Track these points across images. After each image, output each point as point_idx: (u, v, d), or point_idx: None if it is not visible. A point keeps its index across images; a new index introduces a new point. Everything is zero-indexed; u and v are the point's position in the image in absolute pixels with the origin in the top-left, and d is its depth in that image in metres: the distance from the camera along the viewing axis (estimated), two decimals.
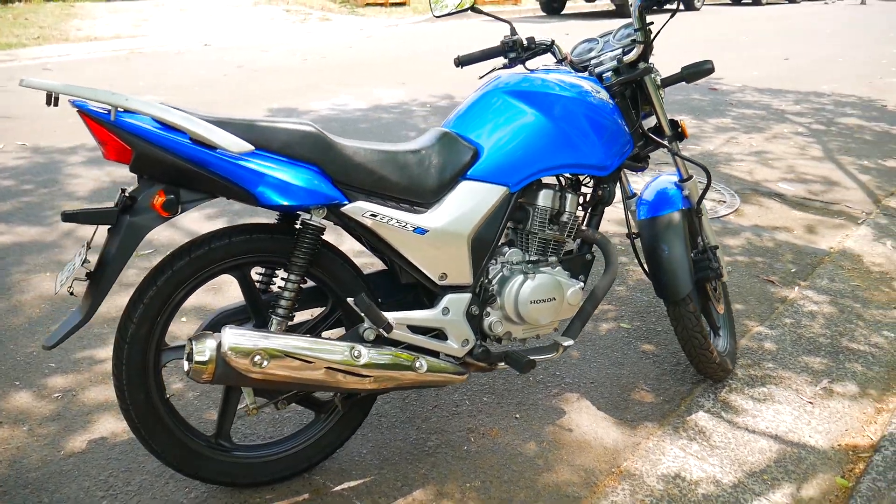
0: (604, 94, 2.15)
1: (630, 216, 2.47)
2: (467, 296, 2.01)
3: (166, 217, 1.68)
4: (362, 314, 1.86)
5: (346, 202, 1.80)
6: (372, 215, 1.84)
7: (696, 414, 2.39)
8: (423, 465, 2.12)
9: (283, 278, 1.86)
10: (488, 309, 2.08)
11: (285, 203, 1.72)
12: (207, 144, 1.65)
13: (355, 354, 1.81)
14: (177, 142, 1.63)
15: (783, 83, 8.24)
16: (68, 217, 1.65)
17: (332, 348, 1.80)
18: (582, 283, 2.20)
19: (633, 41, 2.21)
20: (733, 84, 8.17)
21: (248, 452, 1.99)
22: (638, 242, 2.44)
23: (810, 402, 2.48)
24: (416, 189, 1.91)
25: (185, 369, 1.72)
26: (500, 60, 2.36)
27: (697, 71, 2.28)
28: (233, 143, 1.65)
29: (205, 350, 1.69)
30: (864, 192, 4.60)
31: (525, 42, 2.32)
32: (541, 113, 2.04)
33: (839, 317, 3.03)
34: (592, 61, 2.30)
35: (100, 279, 1.67)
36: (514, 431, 2.29)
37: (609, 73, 2.24)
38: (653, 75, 2.24)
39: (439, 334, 2.01)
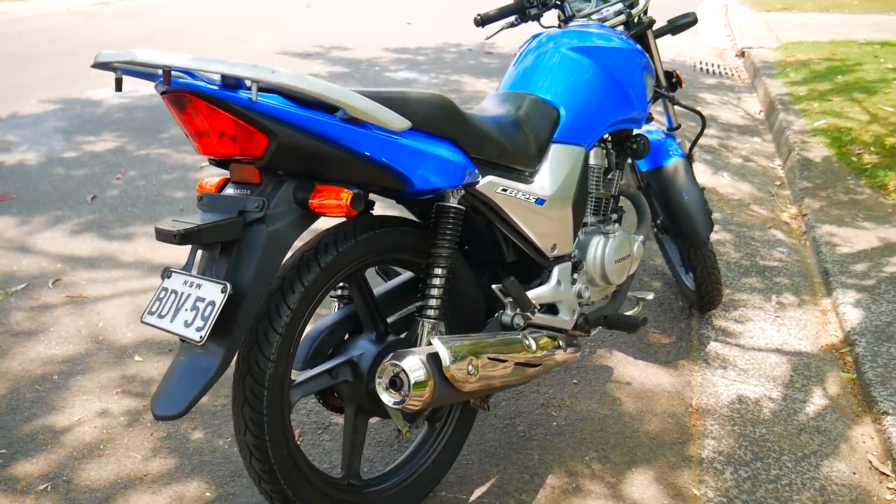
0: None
1: (630, 170, 2.54)
2: (569, 264, 1.94)
3: (341, 216, 1.38)
4: (511, 299, 1.71)
5: (479, 179, 1.63)
6: (503, 190, 1.69)
7: (710, 345, 2.57)
8: (533, 452, 2.02)
9: (422, 276, 1.63)
10: (574, 275, 2.02)
11: (440, 186, 1.51)
12: (359, 123, 1.38)
13: (528, 345, 1.66)
14: (327, 123, 1.35)
15: None
16: (185, 237, 1.27)
17: (511, 342, 1.62)
18: (642, 237, 2.23)
19: None
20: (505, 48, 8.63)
21: (380, 485, 1.72)
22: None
23: (777, 316, 2.80)
24: (525, 157, 1.79)
25: (394, 401, 1.43)
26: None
27: (683, 23, 2.40)
28: (395, 119, 1.41)
29: (419, 368, 1.42)
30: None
31: None
32: (604, 68, 2.01)
33: (739, 241, 3.44)
34: (594, 16, 2.31)
35: (236, 311, 1.32)
36: (584, 396, 2.27)
37: (620, 27, 2.27)
38: (653, 27, 2.33)
39: (552, 310, 1.91)
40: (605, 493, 1.86)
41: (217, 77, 1.28)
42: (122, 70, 1.26)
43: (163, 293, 1.38)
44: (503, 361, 1.57)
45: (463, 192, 1.61)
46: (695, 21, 2.42)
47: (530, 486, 1.88)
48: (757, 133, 5.29)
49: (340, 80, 6.36)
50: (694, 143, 2.53)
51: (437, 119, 1.54)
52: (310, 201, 1.36)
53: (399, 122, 1.42)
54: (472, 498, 1.84)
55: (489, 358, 1.54)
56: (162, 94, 1.32)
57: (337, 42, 8.33)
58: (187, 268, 1.40)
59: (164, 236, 1.31)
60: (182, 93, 1.26)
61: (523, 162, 1.78)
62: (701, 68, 7.32)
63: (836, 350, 2.61)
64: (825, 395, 2.33)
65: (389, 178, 1.46)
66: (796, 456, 2.04)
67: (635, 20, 2.28)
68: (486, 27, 2.33)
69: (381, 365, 1.46)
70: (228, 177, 1.50)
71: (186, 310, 1.31)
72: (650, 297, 2.21)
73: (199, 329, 1.27)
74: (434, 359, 1.45)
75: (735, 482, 1.92)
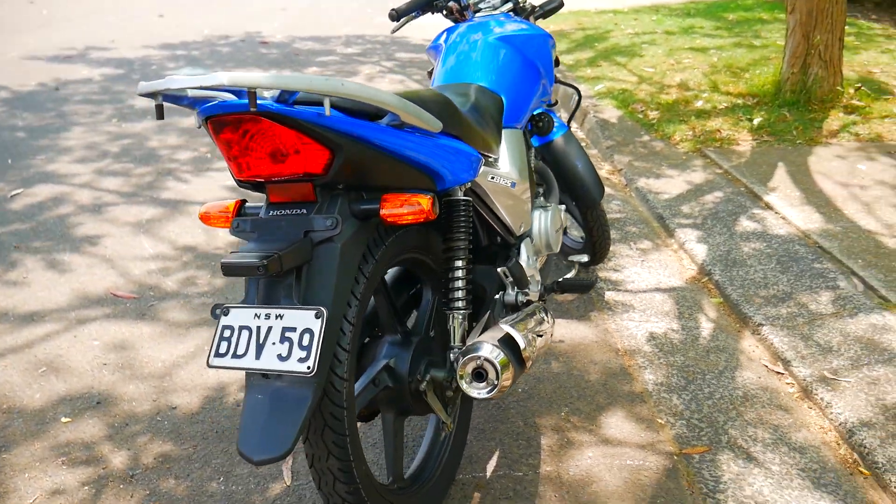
0: None
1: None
2: (528, 239, 2.11)
3: (418, 222, 1.41)
4: (513, 279, 1.83)
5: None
6: (492, 178, 1.81)
7: (606, 294, 2.89)
8: (517, 419, 2.17)
9: (444, 270, 1.69)
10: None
11: (467, 180, 1.61)
12: (403, 127, 1.43)
13: (546, 318, 1.79)
14: (383, 130, 1.39)
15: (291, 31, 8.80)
16: (269, 266, 1.25)
17: (539, 319, 1.74)
18: (563, 206, 2.45)
19: None
20: (277, 37, 8.40)
21: (420, 482, 1.78)
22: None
23: (643, 260, 3.21)
24: (493, 144, 1.92)
25: (486, 391, 1.48)
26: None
27: (552, 8, 2.63)
28: (433, 121, 1.48)
29: (500, 355, 1.48)
30: None
31: None
32: (526, 54, 2.18)
33: None
34: (482, 5, 2.46)
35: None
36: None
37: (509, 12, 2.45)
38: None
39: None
40: (594, 440, 2.08)
41: (267, 93, 1.26)
42: (164, 97, 1.20)
43: (228, 332, 1.31)
44: (541, 336, 1.70)
45: (469, 184, 1.70)
46: (562, 5, 2.67)
47: (529, 450, 2.04)
48: None
49: (123, 81, 5.85)
50: (572, 116, 2.80)
51: (451, 118, 1.62)
52: (381, 212, 1.37)
53: (436, 123, 1.48)
54: (489, 474, 1.96)
55: (536, 335, 1.66)
56: (207, 118, 1.26)
57: (90, 41, 7.60)
58: (246, 300, 1.35)
59: (241, 270, 1.25)
60: (242, 114, 1.22)
61: (493, 149, 1.91)
62: None
63: (698, 281, 3.07)
64: (709, 319, 2.75)
65: (425, 179, 1.52)
66: (714, 374, 2.41)
67: (521, 5, 2.48)
68: (400, 20, 2.40)
69: (462, 362, 1.51)
70: (240, 200, 1.47)
71: (274, 343, 1.27)
72: (585, 259, 2.45)
73: (302, 360, 1.25)
74: (507, 343, 1.53)
75: (684, 405, 2.24)
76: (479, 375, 1.50)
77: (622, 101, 5.10)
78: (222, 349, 1.30)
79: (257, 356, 1.27)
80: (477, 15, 2.41)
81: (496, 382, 1.49)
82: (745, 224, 3.35)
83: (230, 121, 1.24)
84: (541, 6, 2.63)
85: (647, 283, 3.00)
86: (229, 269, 1.26)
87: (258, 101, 1.20)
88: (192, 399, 2.27)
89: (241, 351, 1.28)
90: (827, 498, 1.88)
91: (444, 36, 2.31)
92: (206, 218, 1.49)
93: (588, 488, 1.90)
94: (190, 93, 1.27)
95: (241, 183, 1.39)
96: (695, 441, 2.09)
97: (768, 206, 3.53)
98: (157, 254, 3.24)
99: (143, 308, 2.80)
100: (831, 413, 2.20)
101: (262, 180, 1.36)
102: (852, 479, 1.96)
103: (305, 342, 1.25)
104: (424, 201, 1.39)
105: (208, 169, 4.26)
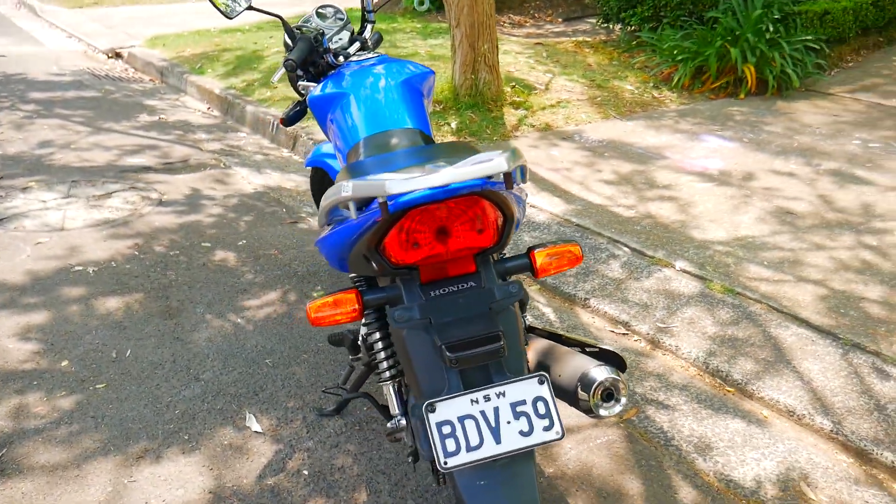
0: None
1: None
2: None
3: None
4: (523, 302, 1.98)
5: None
6: None
7: None
8: None
9: None
10: None
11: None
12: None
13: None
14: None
15: None
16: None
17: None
18: None
19: (367, 21, 2.57)
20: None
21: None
22: None
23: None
24: None
25: (619, 408, 1.58)
26: None
27: (377, 40, 2.74)
28: None
29: (612, 370, 1.58)
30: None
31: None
32: (425, 94, 2.31)
33: None
34: (332, 44, 2.51)
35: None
36: None
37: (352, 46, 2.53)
38: None
39: None
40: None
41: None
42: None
43: (447, 428, 1.28)
44: None
45: None
46: (381, 39, 2.79)
47: None
48: (233, 129, 5.65)
49: None
50: None
51: None
52: (538, 268, 1.44)
53: None
54: None
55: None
56: (412, 206, 1.24)
57: None
58: (452, 390, 1.32)
59: (482, 357, 1.26)
60: (466, 196, 1.23)
61: None
62: (105, 75, 7.07)
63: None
64: (544, 304, 3.17)
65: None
66: None
67: (365, 41, 2.55)
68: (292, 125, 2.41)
69: (594, 387, 1.61)
70: (355, 289, 1.43)
71: (509, 422, 1.28)
72: None
73: (548, 428, 1.29)
74: (603, 358, 1.67)
75: None
76: (609, 396, 1.63)
77: None
78: (451, 447, 1.26)
79: (497, 441, 1.26)
80: (351, 60, 2.41)
81: (625, 397, 1.62)
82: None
83: (435, 206, 1.22)
84: (370, 39, 2.72)
85: None
86: (466, 359, 1.24)
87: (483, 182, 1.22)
88: None
89: (475, 442, 1.26)
90: (727, 417, 2.43)
91: (330, 85, 2.28)
92: (321, 320, 1.38)
93: (589, 473, 2.16)
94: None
95: (394, 268, 1.34)
96: None
97: None
98: None
99: None
100: (682, 354, 2.78)
101: (418, 261, 1.34)
102: (727, 398, 2.54)
103: (542, 410, 1.28)
104: (576, 248, 1.49)
105: None
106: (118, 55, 7.97)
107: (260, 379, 2.57)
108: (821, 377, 2.54)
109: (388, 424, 1.71)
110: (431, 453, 1.41)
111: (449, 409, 1.28)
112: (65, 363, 2.64)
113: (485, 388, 1.31)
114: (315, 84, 2.52)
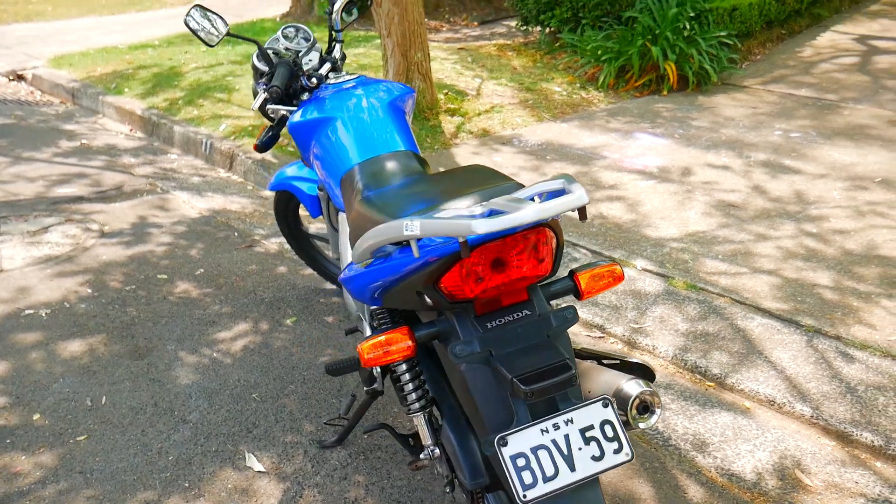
0: None
1: None
2: None
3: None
4: None
5: None
6: None
7: None
8: None
9: None
10: None
11: None
12: None
13: None
14: None
15: None
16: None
17: None
18: None
19: (335, 41, 2.53)
20: None
21: None
22: None
23: None
24: None
25: (654, 418, 1.60)
26: None
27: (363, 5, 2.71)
28: None
29: (642, 382, 1.61)
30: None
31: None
32: (406, 113, 2.32)
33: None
34: (305, 64, 2.47)
35: None
36: None
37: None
38: None
39: None
40: None
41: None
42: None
43: (521, 460, 1.28)
44: None
45: None
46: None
47: None
48: (162, 151, 5.44)
49: None
50: None
51: None
52: (583, 290, 1.46)
53: None
54: None
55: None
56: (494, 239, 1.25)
57: None
58: (521, 421, 1.32)
59: (556, 387, 1.27)
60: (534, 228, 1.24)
61: None
62: (10, 99, 6.68)
63: None
64: None
65: None
66: None
67: (339, 63, 2.52)
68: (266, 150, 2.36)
69: (630, 401, 1.63)
70: (406, 326, 1.43)
71: (581, 448, 1.30)
72: None
73: (617, 451, 1.31)
74: (632, 370, 1.70)
75: None
76: (645, 409, 1.65)
77: None
78: (528, 479, 1.27)
79: (571, 468, 1.27)
80: (329, 83, 2.37)
81: (659, 406, 1.65)
82: None
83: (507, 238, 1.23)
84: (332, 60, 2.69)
85: None
86: (542, 391, 1.25)
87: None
88: None
89: (550, 472, 1.27)
90: (714, 411, 2.53)
91: (312, 110, 2.24)
92: (376, 360, 1.37)
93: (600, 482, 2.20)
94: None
95: (453, 303, 1.34)
96: None
97: None
98: None
99: None
100: (660, 353, 2.88)
101: (478, 294, 1.35)
102: (709, 393, 2.65)
103: (610, 433, 1.30)
104: (617, 268, 1.52)
105: None
106: (20, 77, 7.54)
107: (251, 415, 2.50)
108: (792, 365, 2.68)
109: (421, 455, 1.70)
110: (472, 480, 1.44)
111: (521, 441, 1.29)
112: (37, 416, 2.49)
113: (553, 417, 1.32)
114: (286, 107, 2.47)
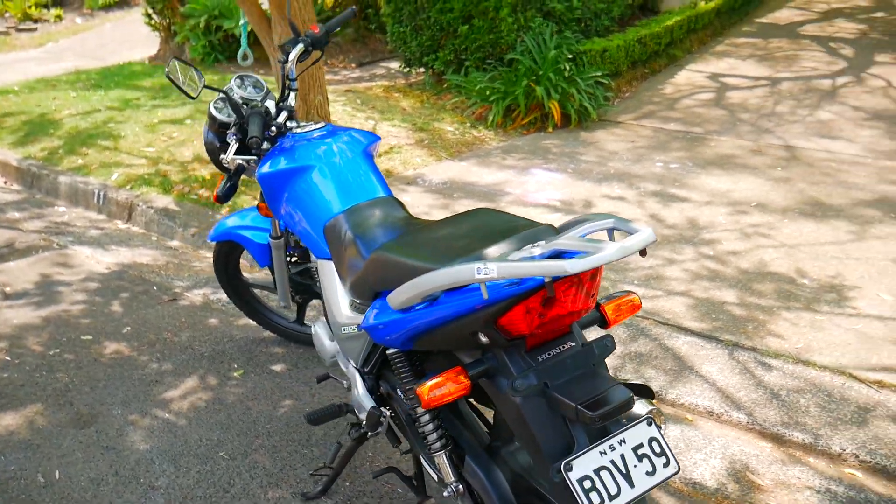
0: None
1: None
2: None
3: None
4: None
5: None
6: None
7: None
8: None
9: None
10: None
11: None
12: None
13: None
14: None
15: None
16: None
17: None
18: None
19: (289, 89, 2.54)
20: None
21: None
22: None
23: None
24: None
25: (661, 431, 1.73)
26: None
27: (343, 19, 2.72)
28: None
29: (646, 402, 1.72)
30: None
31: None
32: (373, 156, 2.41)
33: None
34: (291, 124, 2.51)
35: None
36: None
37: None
38: None
39: None
40: None
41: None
42: None
43: (588, 482, 1.38)
44: None
45: None
46: (353, 13, 2.79)
47: None
48: (48, 203, 5.13)
49: None
50: None
51: None
52: (609, 319, 1.58)
53: None
54: None
55: None
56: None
57: None
58: (581, 446, 1.42)
59: (614, 412, 1.36)
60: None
61: None
62: None
63: None
64: None
65: None
66: None
67: (294, 112, 2.56)
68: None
69: (648, 416, 1.73)
70: (459, 367, 1.50)
71: (636, 466, 1.41)
72: None
73: (666, 465, 1.44)
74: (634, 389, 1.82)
75: None
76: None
77: (162, 187, 4.96)
78: (596, 500, 1.36)
79: (631, 485, 1.38)
80: (296, 132, 2.39)
81: (662, 423, 1.77)
82: None
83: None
84: (330, 23, 2.71)
85: None
86: (606, 415, 1.35)
87: None
88: None
89: (613, 491, 1.37)
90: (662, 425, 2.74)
91: (282, 160, 2.25)
92: (437, 400, 1.43)
93: None
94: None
95: (510, 340, 1.42)
96: None
97: None
98: None
99: None
100: None
101: (533, 330, 1.44)
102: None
103: (657, 448, 1.43)
104: (636, 298, 1.64)
105: None
106: None
107: (223, 475, 2.44)
108: (721, 377, 2.95)
109: (445, 493, 1.76)
110: None
111: (584, 464, 1.38)
112: None
113: (608, 439, 1.42)
114: (243, 157, 2.47)
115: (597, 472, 1.40)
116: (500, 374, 1.51)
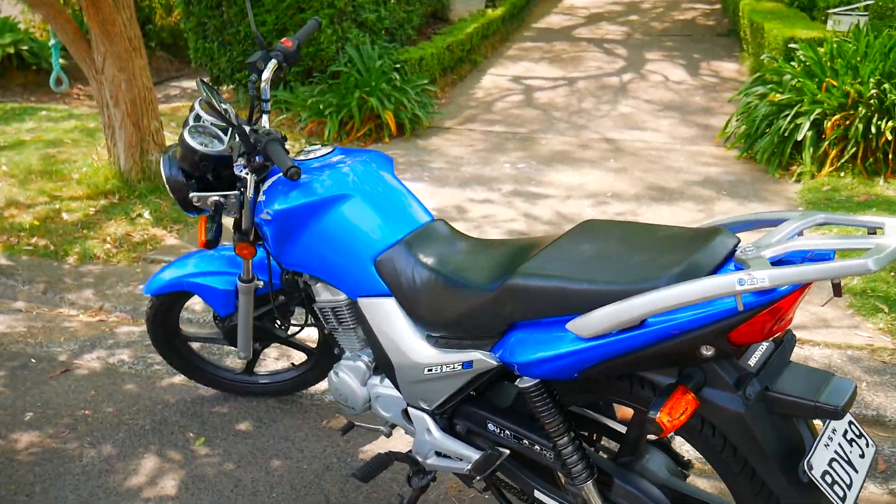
0: None
1: None
2: None
3: None
4: None
5: None
6: None
7: None
8: None
9: None
10: None
11: None
12: None
13: None
14: None
15: None
16: None
17: None
18: None
19: (263, 112, 2.27)
20: None
21: None
22: None
23: None
24: None
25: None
26: None
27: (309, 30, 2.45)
28: None
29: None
30: None
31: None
32: None
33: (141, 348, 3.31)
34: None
35: None
36: None
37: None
38: None
39: None
40: None
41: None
42: None
43: (828, 476, 1.41)
44: None
45: None
46: (318, 25, 2.52)
47: None
48: None
49: None
50: None
51: None
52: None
53: None
54: None
55: None
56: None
57: None
58: (808, 442, 1.45)
59: (849, 402, 1.40)
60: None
61: None
62: None
63: None
64: None
65: None
66: None
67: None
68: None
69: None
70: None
71: (850, 451, 1.47)
72: None
73: (867, 444, 1.53)
74: None
75: None
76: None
77: None
78: (840, 493, 1.40)
79: (855, 471, 1.45)
80: (299, 158, 2.13)
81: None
82: None
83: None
84: (298, 35, 2.43)
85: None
86: (847, 406, 1.38)
87: None
88: None
89: (847, 480, 1.42)
90: None
91: (301, 193, 2.01)
92: (677, 423, 1.41)
93: None
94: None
95: (733, 348, 1.40)
96: None
97: None
98: None
99: None
100: None
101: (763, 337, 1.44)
102: None
103: (857, 431, 1.51)
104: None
105: None
106: None
107: None
108: None
109: None
110: None
111: (819, 460, 1.40)
112: None
113: (825, 431, 1.46)
114: (217, 194, 2.17)
115: (829, 464, 1.43)
116: (713, 386, 1.48)
